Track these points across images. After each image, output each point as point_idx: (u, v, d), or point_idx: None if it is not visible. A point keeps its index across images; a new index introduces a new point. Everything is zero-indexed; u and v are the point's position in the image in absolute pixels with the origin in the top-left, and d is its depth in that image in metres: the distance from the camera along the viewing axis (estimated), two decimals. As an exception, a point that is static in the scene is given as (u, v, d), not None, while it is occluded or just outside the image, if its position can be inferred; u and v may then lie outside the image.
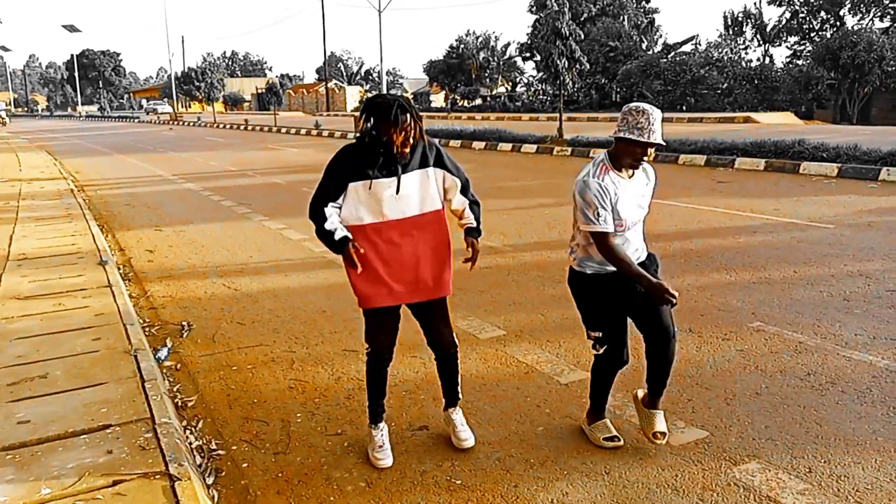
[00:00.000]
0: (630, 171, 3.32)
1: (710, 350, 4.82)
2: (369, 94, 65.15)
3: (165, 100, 77.50)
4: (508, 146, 21.00)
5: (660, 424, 3.50)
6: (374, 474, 3.40)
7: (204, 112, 65.73)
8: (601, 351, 3.48)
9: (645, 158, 3.24)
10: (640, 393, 3.64)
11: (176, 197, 13.71)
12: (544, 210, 10.42)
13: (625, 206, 3.28)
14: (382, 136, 3.15)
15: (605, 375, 3.59)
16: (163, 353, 5.00)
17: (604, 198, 3.21)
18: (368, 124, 3.21)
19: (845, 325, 5.19)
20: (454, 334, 3.60)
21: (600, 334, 3.44)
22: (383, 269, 3.30)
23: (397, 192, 3.23)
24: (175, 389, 4.46)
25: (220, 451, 3.67)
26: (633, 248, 3.38)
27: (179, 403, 4.24)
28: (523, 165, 17.05)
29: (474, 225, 3.46)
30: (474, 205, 3.47)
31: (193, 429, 3.90)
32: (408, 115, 3.11)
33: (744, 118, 28.56)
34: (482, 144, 21.92)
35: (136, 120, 63.06)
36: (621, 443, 3.55)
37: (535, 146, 20.12)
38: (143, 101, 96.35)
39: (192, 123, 49.77)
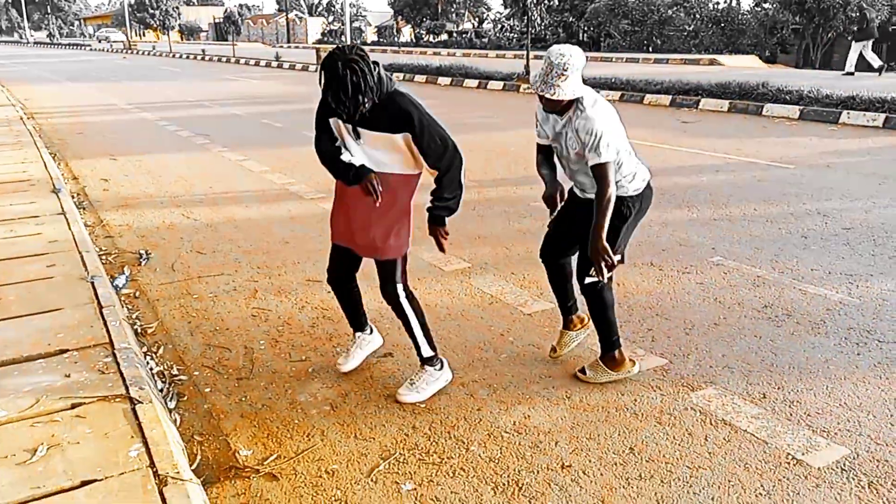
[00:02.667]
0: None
1: (670, 283, 4.90)
2: (332, 27, 63.33)
3: (118, 28, 74.13)
4: (475, 83, 20.70)
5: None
6: (338, 399, 3.41)
7: (159, 41, 63.25)
8: None
9: (549, 107, 3.15)
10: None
11: (131, 126, 13.27)
12: (510, 147, 10.35)
13: (551, 136, 3.35)
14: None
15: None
16: (121, 280, 4.90)
17: (537, 117, 3.41)
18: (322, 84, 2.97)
19: (802, 260, 5.30)
20: (398, 289, 3.33)
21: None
22: (344, 212, 3.34)
23: (356, 138, 3.12)
24: (134, 316, 4.38)
25: (181, 377, 3.64)
26: (577, 180, 3.43)
27: (139, 330, 4.17)
28: (489, 102, 16.86)
29: (434, 207, 3.20)
30: (444, 189, 3.16)
31: (154, 355, 3.85)
32: (355, 77, 2.84)
33: (709, 60, 28.52)
34: (448, 80, 21.56)
35: (88, 48, 60.41)
36: (554, 354, 3.79)
37: (501, 83, 19.87)
38: (93, 29, 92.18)
39: (146, 53, 47.91)
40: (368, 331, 3.75)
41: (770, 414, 3.25)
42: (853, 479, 2.78)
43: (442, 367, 3.48)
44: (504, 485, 2.77)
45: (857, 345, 3.93)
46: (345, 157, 3.18)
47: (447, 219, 3.24)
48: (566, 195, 3.55)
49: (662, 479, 2.80)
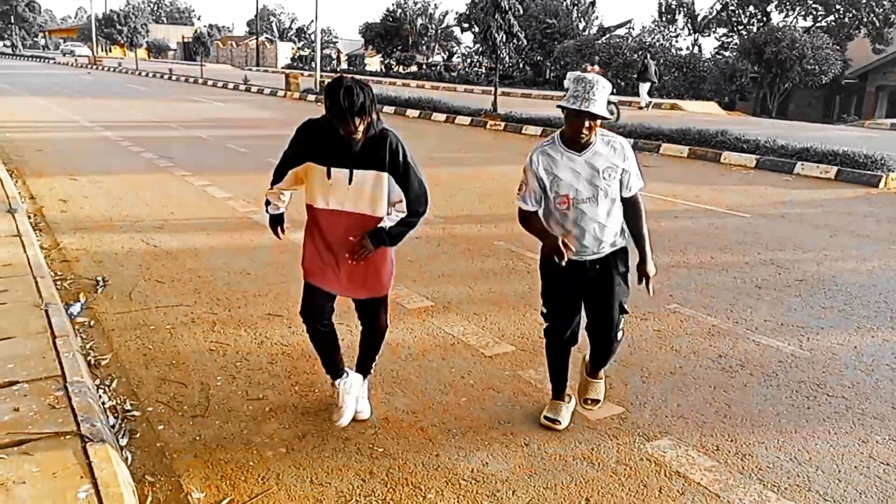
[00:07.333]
0: (579, 146, 3.21)
1: (629, 329, 4.96)
2: (302, 53, 63.35)
3: (83, 42, 73.21)
4: (443, 116, 20.89)
5: (593, 392, 3.64)
6: (295, 440, 3.37)
7: (125, 58, 62.61)
8: (545, 326, 3.58)
9: (585, 131, 3.13)
10: (587, 357, 3.68)
11: (93, 145, 13.07)
12: (475, 183, 10.45)
13: (566, 182, 3.23)
14: (334, 122, 3.02)
15: (551, 352, 3.63)
16: (75, 308, 4.79)
17: (528, 171, 3.29)
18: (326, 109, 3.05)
19: (756, 310, 5.43)
20: (387, 318, 3.55)
21: (545, 310, 3.53)
22: (325, 253, 3.29)
23: (349, 182, 3.14)
24: (88, 347, 4.29)
25: (135, 412, 3.56)
26: (591, 228, 3.28)
27: (92, 361, 4.08)
28: (457, 137, 17.02)
29: (385, 228, 3.22)
30: (405, 224, 3.26)
31: (107, 388, 3.76)
32: (359, 103, 2.94)
33: (671, 105, 29.30)
34: (416, 113, 21.72)
35: (52, 61, 59.53)
36: (560, 426, 3.55)
37: (469, 119, 20.10)
38: (60, 42, 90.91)
39: (112, 69, 47.36)
40: (346, 374, 3.51)
41: (723, 467, 3.31)
42: (801, 535, 2.84)
43: None
44: (460, 534, 2.76)
45: (808, 398, 4.03)
46: (271, 208, 3.52)
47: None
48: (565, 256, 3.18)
49: (617, 531, 2.82)
